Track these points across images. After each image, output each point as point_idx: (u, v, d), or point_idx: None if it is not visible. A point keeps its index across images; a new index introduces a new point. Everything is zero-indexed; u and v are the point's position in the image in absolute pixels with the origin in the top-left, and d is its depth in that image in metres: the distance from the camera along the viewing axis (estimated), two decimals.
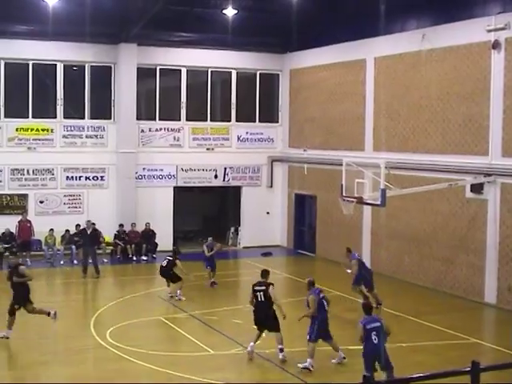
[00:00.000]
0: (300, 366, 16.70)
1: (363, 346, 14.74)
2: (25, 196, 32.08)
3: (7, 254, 30.01)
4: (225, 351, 18.29)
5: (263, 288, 17.72)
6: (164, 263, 25.07)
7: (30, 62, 32.01)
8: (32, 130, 32.13)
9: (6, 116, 31.78)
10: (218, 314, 22.16)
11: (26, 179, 32.05)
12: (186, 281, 24.81)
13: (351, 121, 31.10)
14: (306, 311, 17.13)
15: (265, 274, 18.29)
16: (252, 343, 17.61)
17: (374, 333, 14.57)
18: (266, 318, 17.61)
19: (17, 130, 31.91)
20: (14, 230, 30.50)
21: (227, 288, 26.93)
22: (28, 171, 32.06)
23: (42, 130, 32.31)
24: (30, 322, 20.95)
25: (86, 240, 28.86)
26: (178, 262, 24.85)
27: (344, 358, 17.16)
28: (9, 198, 31.86)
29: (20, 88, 32.20)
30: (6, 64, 31.71)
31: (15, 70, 32.15)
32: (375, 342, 14.51)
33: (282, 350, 17.47)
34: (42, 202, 32.32)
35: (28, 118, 32.14)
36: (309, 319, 17.06)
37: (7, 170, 31.72)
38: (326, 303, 17.17)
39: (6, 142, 31.77)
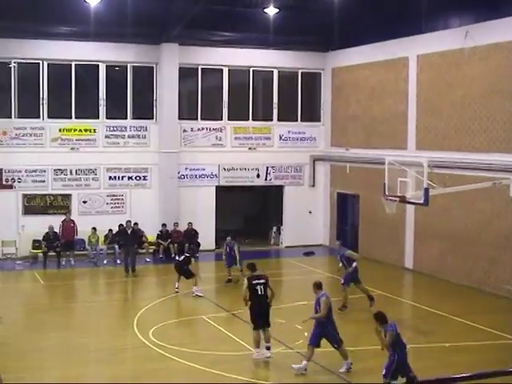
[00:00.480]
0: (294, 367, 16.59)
1: (393, 352, 14.20)
2: (68, 196, 32.38)
3: (51, 253, 30.31)
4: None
5: (263, 281, 17.70)
6: (181, 258, 25.61)
7: (73, 63, 32.28)
8: (75, 130, 32.42)
9: (49, 117, 32.10)
10: None
11: (69, 179, 32.34)
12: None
13: (393, 119, 30.88)
14: (313, 314, 16.76)
15: (253, 266, 18.49)
16: (258, 349, 17.48)
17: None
18: (265, 312, 17.58)
19: (60, 130, 32.22)
20: (57, 230, 30.77)
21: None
22: (71, 171, 32.35)
23: (85, 130, 32.58)
24: (72, 320, 21.16)
25: (126, 239, 29.05)
26: (192, 259, 26.00)
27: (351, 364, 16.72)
28: (52, 198, 32.18)
29: (63, 89, 32.51)
30: (49, 65, 32.02)
31: (58, 71, 32.45)
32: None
33: (269, 348, 17.45)
34: (85, 202, 32.60)
35: (71, 118, 32.42)
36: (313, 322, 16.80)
37: (51, 170, 32.04)
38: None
39: (49, 143, 32.09)
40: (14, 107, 31.75)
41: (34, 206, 31.99)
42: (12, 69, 31.70)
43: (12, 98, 31.70)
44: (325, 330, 16.54)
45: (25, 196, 31.86)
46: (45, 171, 31.98)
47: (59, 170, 32.20)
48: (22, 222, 31.69)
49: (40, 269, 29.64)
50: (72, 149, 32.40)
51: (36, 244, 31.07)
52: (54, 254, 30.31)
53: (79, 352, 18.26)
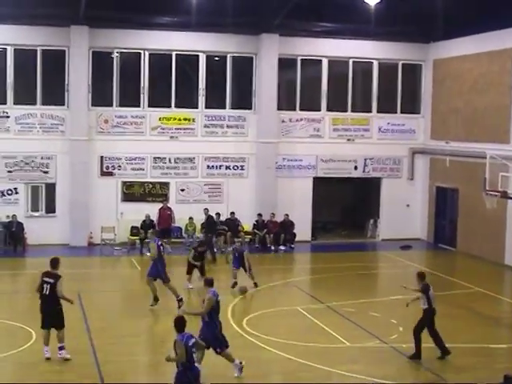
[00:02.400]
0: None
1: None
2: (166, 184, 32.79)
3: (148, 240, 30.74)
4: (361, 344, 18.06)
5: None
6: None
7: (173, 53, 32.63)
8: (174, 119, 32.78)
9: (149, 106, 32.55)
10: (355, 306, 21.89)
11: (167, 168, 32.74)
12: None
13: (496, 112, 30.05)
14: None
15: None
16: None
17: None
18: None
19: (160, 119, 32.64)
20: (154, 218, 31.20)
21: (365, 280, 26.62)
22: (170, 160, 32.74)
23: (185, 119, 32.90)
24: (167, 307, 21.35)
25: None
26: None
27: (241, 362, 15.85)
28: (151, 186, 32.66)
29: (163, 78, 32.90)
30: (150, 55, 32.45)
31: (159, 61, 32.85)
32: None
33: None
34: (182, 190, 32.95)
35: (171, 107, 32.80)
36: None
37: (150, 158, 32.50)
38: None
39: (149, 131, 32.56)
40: (115, 96, 32.33)
41: (133, 193, 32.54)
42: (114, 58, 32.29)
43: (114, 87, 32.28)
44: None
45: (124, 183, 32.44)
46: (144, 159, 32.47)
47: (158, 158, 32.64)
48: (120, 208, 32.30)
49: (137, 255, 30.12)
50: (171, 137, 32.78)
51: (134, 230, 31.61)
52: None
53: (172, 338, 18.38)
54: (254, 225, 32.62)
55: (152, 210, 31.41)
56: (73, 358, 16.24)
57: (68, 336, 17.20)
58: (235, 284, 24.31)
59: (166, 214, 31.19)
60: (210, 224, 30.83)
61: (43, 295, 16.40)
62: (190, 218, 31.62)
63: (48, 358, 16.25)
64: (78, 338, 17.97)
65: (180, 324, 13.07)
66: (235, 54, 33.44)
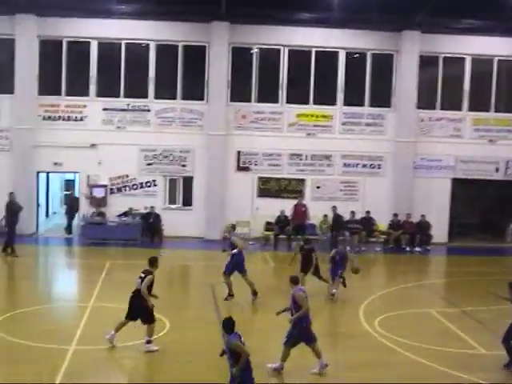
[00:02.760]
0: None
1: None
2: (302, 181, 32.77)
3: (282, 236, 30.80)
4: (497, 351, 17.38)
5: None
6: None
7: (313, 50, 32.57)
8: (312, 116, 32.69)
9: (287, 102, 32.59)
10: (491, 312, 21.12)
11: (304, 164, 32.71)
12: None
13: None
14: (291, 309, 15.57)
15: None
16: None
17: None
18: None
19: (298, 115, 32.62)
20: (289, 214, 31.21)
21: (503, 286, 25.65)
22: (306, 157, 32.69)
23: (322, 116, 32.76)
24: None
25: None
26: None
27: (326, 365, 15.48)
28: (287, 182, 32.71)
29: (302, 75, 32.84)
30: (289, 51, 32.49)
31: (298, 57, 32.80)
32: None
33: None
34: (318, 188, 32.82)
35: (309, 104, 32.72)
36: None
37: (286, 154, 32.56)
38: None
39: (286, 128, 32.61)
40: (253, 92, 32.56)
41: (269, 188, 32.69)
42: (254, 54, 32.50)
43: (252, 83, 32.51)
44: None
45: (260, 179, 32.64)
46: (280, 155, 32.56)
47: (295, 154, 32.65)
48: (256, 203, 32.50)
49: (271, 250, 30.20)
50: (308, 134, 32.71)
51: (268, 226, 31.73)
52: (284, 236, 30.80)
53: None
54: (390, 225, 32.12)
55: (287, 205, 31.45)
56: (203, 349, 16.37)
57: (197, 327, 17.39)
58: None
59: (300, 211, 31.15)
60: (338, 222, 30.51)
61: (136, 289, 16.66)
62: (325, 216, 31.46)
63: (111, 342, 16.46)
64: (210, 329, 18.13)
65: (231, 324, 13.02)
66: (375, 51, 33.02)
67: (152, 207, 31.55)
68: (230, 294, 21.50)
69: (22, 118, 31.40)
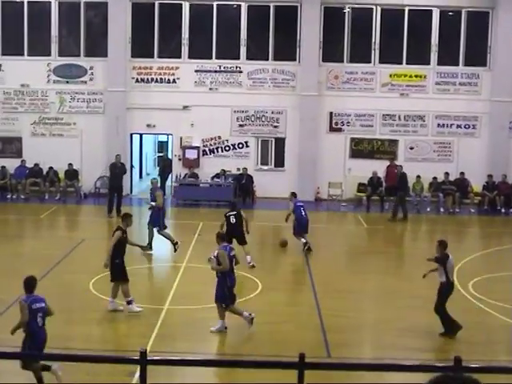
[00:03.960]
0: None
1: None
2: (395, 142, 32.33)
3: (374, 197, 30.56)
4: None
5: None
6: (233, 220, 21.43)
7: (406, 8, 31.88)
8: (405, 76, 32.14)
9: (380, 62, 32.12)
10: None
11: (397, 125, 32.25)
12: None
13: None
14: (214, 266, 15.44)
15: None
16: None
17: None
18: None
19: (390, 75, 32.13)
20: (381, 175, 30.91)
21: None
22: (399, 117, 32.22)
23: (416, 76, 32.17)
24: (390, 265, 21.06)
25: None
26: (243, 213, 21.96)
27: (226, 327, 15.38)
28: (379, 143, 32.35)
29: (394, 34, 32.17)
30: (382, 10, 31.90)
31: (391, 16, 32.19)
32: None
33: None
34: (411, 149, 32.36)
35: (402, 64, 32.17)
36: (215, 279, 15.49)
37: (379, 115, 32.15)
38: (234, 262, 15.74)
39: (379, 88, 32.16)
40: (346, 52, 32.19)
41: (361, 149, 32.40)
42: (346, 14, 32.06)
43: (344, 43, 32.13)
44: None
45: (352, 140, 32.37)
46: (373, 116, 32.18)
47: (388, 115, 32.21)
48: (348, 164, 32.29)
49: (363, 212, 30.03)
50: (401, 94, 32.21)
51: (361, 187, 31.52)
52: (377, 198, 30.58)
53: (395, 297, 18.23)
54: (484, 186, 31.43)
55: (380, 167, 31.13)
56: (295, 310, 16.45)
57: (293, 289, 17.52)
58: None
59: (393, 172, 30.73)
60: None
61: None
62: (418, 177, 31.03)
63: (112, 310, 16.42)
64: (302, 290, 18.21)
65: (222, 236, 15.56)
66: (470, 9, 32.12)
67: (244, 168, 31.71)
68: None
69: (116, 80, 31.86)
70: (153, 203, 22.79)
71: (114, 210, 27.65)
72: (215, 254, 15.41)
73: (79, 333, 14.93)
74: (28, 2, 32.21)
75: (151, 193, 23.58)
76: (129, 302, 16.24)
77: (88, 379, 12.22)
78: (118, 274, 16.34)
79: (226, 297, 15.35)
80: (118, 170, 28.59)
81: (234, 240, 20.08)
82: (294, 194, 23.89)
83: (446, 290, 15.37)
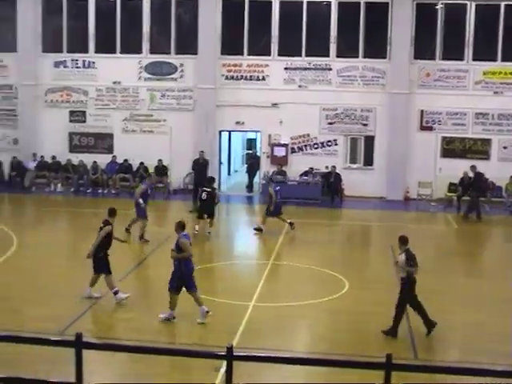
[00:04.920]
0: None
1: None
2: (488, 141, 31.56)
3: (465, 198, 29.79)
4: None
5: None
6: (204, 196, 23.74)
7: (502, 4, 31.06)
8: (500, 73, 31.33)
9: (473, 59, 31.39)
10: None
11: (490, 124, 31.47)
12: None
13: None
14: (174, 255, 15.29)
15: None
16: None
17: None
18: None
19: (484, 73, 31.37)
20: (472, 175, 30.14)
21: None
22: (493, 116, 31.41)
23: (511, 73, 31.31)
24: (481, 267, 20.52)
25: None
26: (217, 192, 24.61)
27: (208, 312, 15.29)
28: (472, 143, 31.62)
29: (490, 31, 31.40)
30: (476, 6, 31.17)
31: (486, 11, 31.40)
32: None
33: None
34: (505, 148, 31.52)
35: (496, 61, 31.36)
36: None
37: (471, 113, 31.43)
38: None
39: (472, 86, 31.44)
40: (438, 49, 31.58)
41: (453, 149, 31.76)
42: (438, 10, 31.45)
43: (437, 40, 31.53)
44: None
45: (444, 138, 31.75)
46: (465, 114, 31.48)
47: (480, 113, 31.46)
48: (439, 164, 31.67)
49: (453, 212, 29.38)
50: (495, 93, 31.42)
51: (451, 187, 30.86)
52: (468, 198, 29.87)
53: (485, 300, 17.73)
54: None
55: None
56: (382, 309, 16.15)
57: (380, 288, 17.24)
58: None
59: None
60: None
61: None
62: (511, 177, 30.22)
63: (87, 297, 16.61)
64: (390, 290, 17.88)
65: (182, 225, 15.59)
66: None
67: (333, 167, 31.45)
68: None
69: (205, 77, 32.07)
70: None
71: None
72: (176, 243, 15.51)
73: (167, 327, 15.00)
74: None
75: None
76: (115, 293, 16.48)
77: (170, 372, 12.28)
78: (102, 266, 16.56)
79: (172, 282, 15.37)
80: (198, 167, 28.81)
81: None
82: (272, 180, 27.50)
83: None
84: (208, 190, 23.64)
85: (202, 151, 29.61)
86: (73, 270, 18.80)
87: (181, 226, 15.73)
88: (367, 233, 27.45)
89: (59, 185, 32.41)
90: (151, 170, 31.87)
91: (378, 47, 32.06)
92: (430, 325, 15.02)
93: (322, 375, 12.13)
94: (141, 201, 22.79)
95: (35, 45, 33.26)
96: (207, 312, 15.32)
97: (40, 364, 12.47)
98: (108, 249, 16.72)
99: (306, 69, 32.10)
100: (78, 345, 9.57)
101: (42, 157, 32.67)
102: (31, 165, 32.79)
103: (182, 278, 15.23)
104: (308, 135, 32.28)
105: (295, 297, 17.08)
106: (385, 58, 31.82)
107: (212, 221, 23.88)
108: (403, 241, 15.23)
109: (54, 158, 32.70)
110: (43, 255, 20.79)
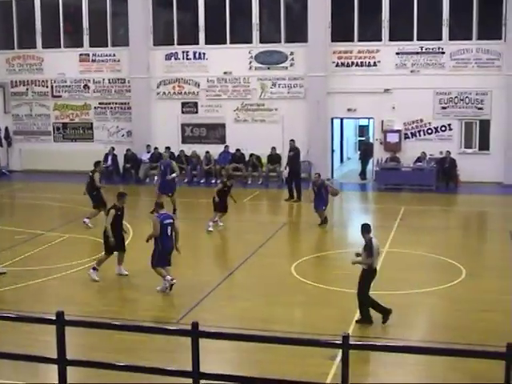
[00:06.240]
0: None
1: None
2: None
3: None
4: None
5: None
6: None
7: None
8: None
9: None
10: None
11: None
12: None
13: None
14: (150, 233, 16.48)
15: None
16: None
17: None
18: None
19: None
20: None
21: None
22: None
23: None
24: None
25: None
26: (96, 175, 23.45)
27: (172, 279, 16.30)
28: None
29: None
30: None
31: None
32: None
33: None
34: None
35: None
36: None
37: None
38: (169, 230, 16.43)
39: None
40: None
41: None
42: None
43: None
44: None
45: None
46: None
47: None
48: None
49: None
50: None
51: None
52: None
53: None
54: None
55: None
56: (501, 298, 15.68)
57: (498, 276, 16.82)
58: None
59: None
60: None
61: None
62: None
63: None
64: (506, 278, 17.39)
65: (160, 205, 17.09)
66: None
67: (448, 152, 30.79)
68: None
69: (316, 65, 31.90)
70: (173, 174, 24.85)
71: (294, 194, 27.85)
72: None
73: (281, 315, 15.02)
74: None
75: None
76: (94, 268, 17.49)
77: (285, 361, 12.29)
78: (111, 247, 17.54)
79: (154, 258, 16.40)
80: (291, 156, 28.66)
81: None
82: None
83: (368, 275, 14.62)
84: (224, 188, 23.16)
85: (293, 140, 29.34)
86: (188, 260, 19.07)
87: (158, 206, 17.15)
88: (484, 219, 26.77)
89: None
90: (264, 159, 32.01)
91: (492, 28, 31.11)
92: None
93: (441, 363, 11.90)
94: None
95: (146, 38, 33.88)
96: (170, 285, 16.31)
97: (156, 352, 12.70)
98: (118, 231, 17.59)
99: (418, 53, 31.51)
100: (195, 334, 9.67)
101: (155, 148, 33.25)
102: (145, 156, 33.43)
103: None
104: (421, 120, 31.69)
105: (411, 284, 16.82)
106: (500, 39, 30.86)
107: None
108: (366, 230, 14.74)
109: (167, 149, 33.19)
110: None
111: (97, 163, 24.06)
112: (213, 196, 23.01)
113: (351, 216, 27.33)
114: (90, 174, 23.54)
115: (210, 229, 22.58)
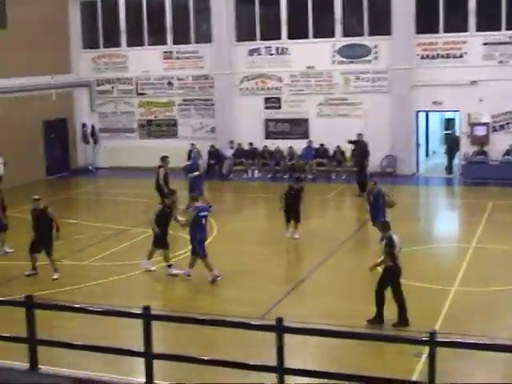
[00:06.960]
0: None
1: None
2: None
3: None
4: None
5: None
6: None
7: None
8: None
9: None
10: None
11: None
12: None
13: None
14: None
15: None
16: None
17: None
18: None
19: None
20: None
21: None
22: None
23: None
24: None
25: None
26: (161, 171, 23.91)
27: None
28: None
29: None
30: None
31: None
32: None
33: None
34: None
35: None
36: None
37: None
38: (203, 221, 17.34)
39: None
40: None
41: None
42: None
43: None
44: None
45: None
46: None
47: None
48: None
49: None
50: None
51: None
52: None
53: None
54: None
55: None
56: None
57: None
58: None
59: None
60: None
61: None
62: None
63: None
64: None
65: (195, 198, 18.20)
66: None
67: None
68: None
69: (400, 58, 31.38)
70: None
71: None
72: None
73: (363, 311, 14.79)
74: None
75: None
76: (169, 266, 18.08)
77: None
78: (158, 242, 18.15)
79: (195, 250, 17.27)
80: (358, 150, 28.34)
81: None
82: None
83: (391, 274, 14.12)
84: (292, 192, 21.52)
85: (360, 133, 28.94)
86: (271, 256, 19.00)
87: (192, 199, 18.39)
88: None
89: (256, 171, 32.98)
90: (348, 154, 31.71)
91: None
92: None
93: None
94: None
95: (229, 34, 33.91)
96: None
97: (238, 347, 12.68)
98: (164, 227, 18.16)
99: (506, 43, 30.67)
100: (279, 329, 9.59)
101: (239, 144, 33.30)
102: (229, 152, 33.52)
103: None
104: (510, 113, 30.85)
105: (502, 281, 16.37)
106: None
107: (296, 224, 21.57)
108: (386, 227, 14.52)
109: (250, 144, 33.25)
110: (243, 241, 21.21)
111: (163, 158, 24.11)
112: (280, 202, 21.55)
113: (437, 211, 26.80)
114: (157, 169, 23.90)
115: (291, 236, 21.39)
